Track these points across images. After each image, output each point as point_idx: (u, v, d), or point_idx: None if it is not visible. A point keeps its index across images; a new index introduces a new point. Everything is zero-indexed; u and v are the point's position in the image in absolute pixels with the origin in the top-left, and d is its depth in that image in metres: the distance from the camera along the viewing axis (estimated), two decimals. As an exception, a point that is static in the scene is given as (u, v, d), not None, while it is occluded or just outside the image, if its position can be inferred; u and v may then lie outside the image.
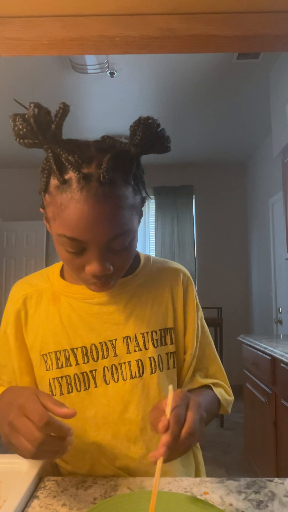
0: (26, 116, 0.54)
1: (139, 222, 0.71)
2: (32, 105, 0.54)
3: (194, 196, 5.04)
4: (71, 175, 0.59)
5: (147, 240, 5.00)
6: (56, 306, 0.76)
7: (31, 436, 0.50)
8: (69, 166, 0.58)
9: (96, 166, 0.59)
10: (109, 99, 3.40)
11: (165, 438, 0.52)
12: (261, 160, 4.38)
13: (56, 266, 0.81)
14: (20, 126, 0.55)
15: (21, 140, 0.56)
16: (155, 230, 4.99)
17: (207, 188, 5.02)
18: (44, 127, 0.55)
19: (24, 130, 0.55)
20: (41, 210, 0.68)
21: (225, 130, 4.05)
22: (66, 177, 0.59)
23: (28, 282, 0.81)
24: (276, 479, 0.67)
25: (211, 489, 0.63)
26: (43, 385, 0.75)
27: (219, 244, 4.96)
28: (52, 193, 0.61)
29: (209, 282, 4.84)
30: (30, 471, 0.66)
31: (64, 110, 0.55)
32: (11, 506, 0.56)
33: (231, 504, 0.59)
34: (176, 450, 0.53)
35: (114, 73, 2.96)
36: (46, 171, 0.62)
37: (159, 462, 0.51)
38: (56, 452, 0.53)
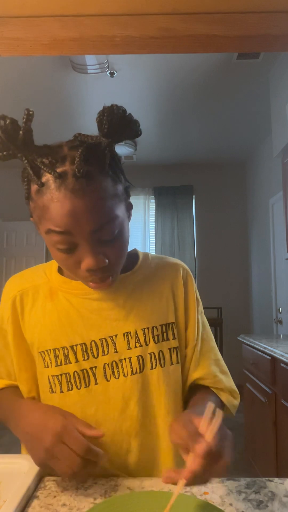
0: None
1: (129, 213, 0.72)
2: None
3: (194, 196, 5.04)
4: (47, 176, 0.60)
5: (147, 240, 4.99)
6: (53, 303, 0.76)
7: (72, 462, 0.57)
8: (44, 168, 0.59)
9: (70, 163, 0.60)
10: (109, 99, 3.39)
11: (193, 465, 0.50)
12: (261, 160, 4.38)
13: (54, 262, 0.80)
14: None
15: None
16: (155, 230, 4.98)
17: (207, 188, 5.02)
18: (12, 135, 0.56)
19: None
20: (31, 219, 0.68)
21: (225, 130, 4.04)
22: (43, 179, 0.60)
23: (24, 277, 0.81)
24: (276, 479, 0.67)
25: (211, 489, 0.63)
26: (43, 381, 0.75)
27: (219, 244, 4.95)
28: (34, 199, 0.63)
29: (209, 282, 4.83)
30: (30, 471, 0.66)
31: (28, 115, 0.57)
32: (11, 506, 0.56)
33: (231, 504, 0.59)
34: (198, 478, 0.52)
35: (114, 73, 2.96)
36: (26, 179, 0.64)
37: (181, 483, 0.51)
38: (89, 474, 0.60)
